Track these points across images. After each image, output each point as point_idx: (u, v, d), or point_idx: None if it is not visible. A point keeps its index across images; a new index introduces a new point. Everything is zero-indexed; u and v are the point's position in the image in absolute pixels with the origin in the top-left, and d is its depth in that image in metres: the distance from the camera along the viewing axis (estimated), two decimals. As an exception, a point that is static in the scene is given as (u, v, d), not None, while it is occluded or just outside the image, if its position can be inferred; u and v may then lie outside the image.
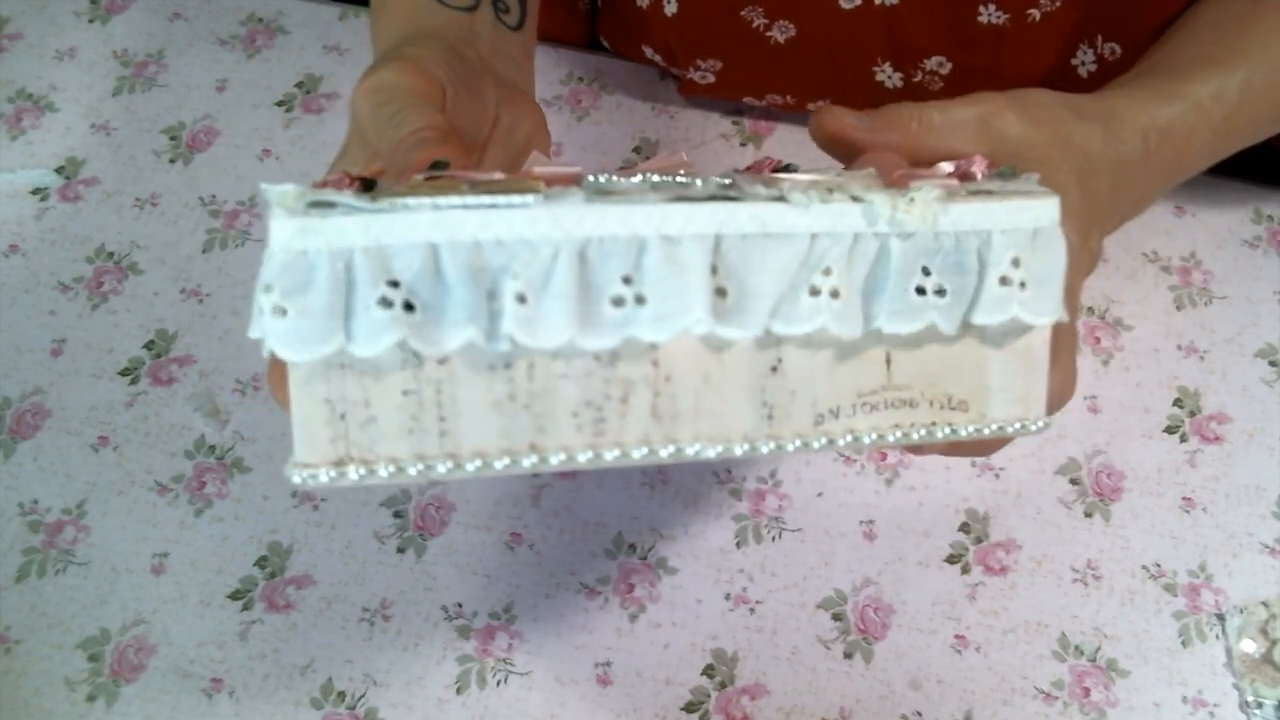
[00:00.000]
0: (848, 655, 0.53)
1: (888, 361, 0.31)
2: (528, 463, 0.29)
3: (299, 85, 0.72)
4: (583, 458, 0.29)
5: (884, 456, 0.58)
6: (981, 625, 0.53)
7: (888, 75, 0.64)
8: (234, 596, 0.55)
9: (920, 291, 0.30)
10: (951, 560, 0.55)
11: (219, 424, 0.59)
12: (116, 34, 0.74)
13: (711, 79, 0.67)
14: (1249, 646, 0.52)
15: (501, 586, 0.55)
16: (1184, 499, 0.56)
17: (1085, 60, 0.61)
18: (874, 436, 0.31)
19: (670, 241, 0.28)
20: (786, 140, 0.69)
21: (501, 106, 0.46)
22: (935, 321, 0.30)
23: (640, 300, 0.28)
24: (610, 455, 0.29)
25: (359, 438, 0.29)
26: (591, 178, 0.29)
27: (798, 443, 0.31)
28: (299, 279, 0.27)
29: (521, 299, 0.27)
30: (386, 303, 0.27)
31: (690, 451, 0.30)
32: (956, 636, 0.53)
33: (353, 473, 0.29)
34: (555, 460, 0.29)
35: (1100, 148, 0.41)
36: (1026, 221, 0.31)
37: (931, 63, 0.63)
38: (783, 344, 0.30)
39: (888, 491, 0.57)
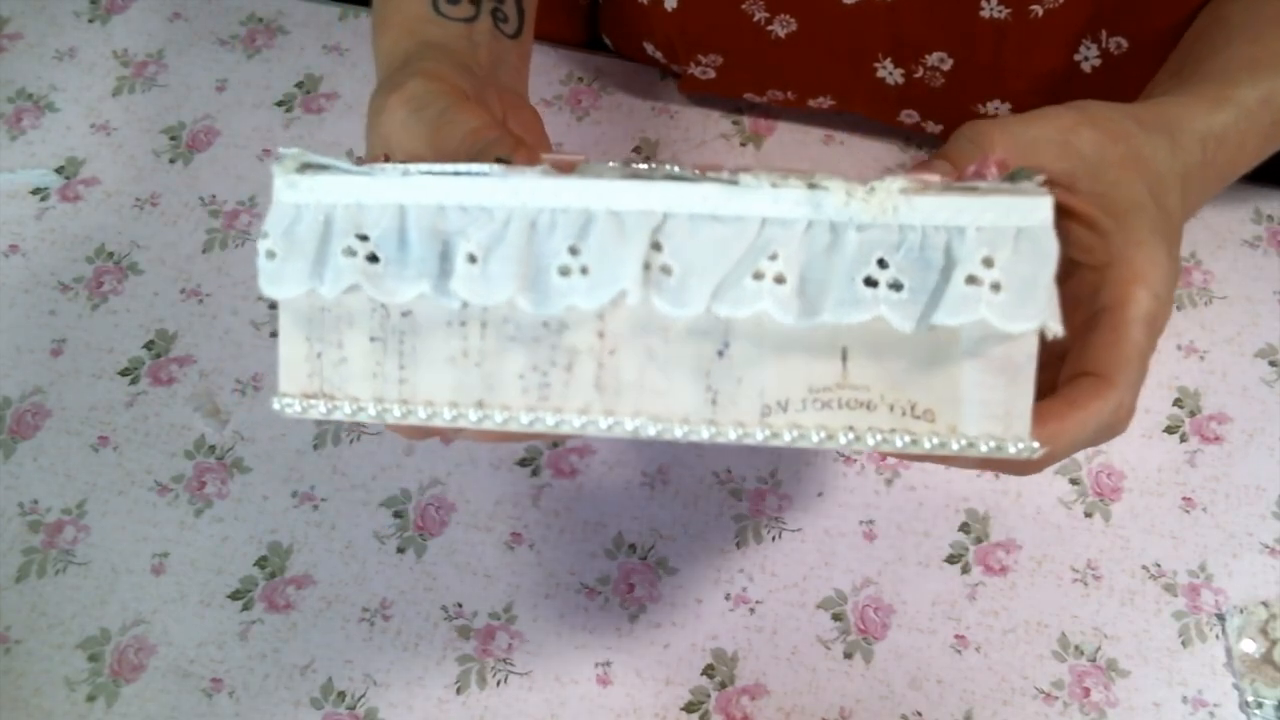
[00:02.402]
0: (848, 655, 0.53)
1: (844, 358, 0.30)
2: (473, 417, 0.31)
3: (299, 85, 0.71)
4: (525, 419, 0.31)
5: (884, 457, 0.58)
6: (981, 625, 0.53)
7: (889, 71, 0.64)
8: (234, 596, 0.55)
9: (870, 283, 0.29)
10: (951, 560, 0.55)
11: (219, 424, 0.59)
12: (116, 34, 0.74)
13: (712, 75, 0.67)
14: (1249, 646, 0.52)
15: (501, 586, 0.55)
16: (1184, 499, 0.56)
17: (1089, 55, 0.60)
18: (822, 435, 0.30)
19: (616, 216, 0.29)
20: (786, 140, 0.69)
21: (507, 114, 0.46)
22: (885, 316, 0.29)
23: (584, 271, 0.29)
24: (551, 420, 0.31)
25: (331, 375, 0.32)
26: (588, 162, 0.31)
27: (739, 431, 0.30)
28: (288, 228, 0.31)
29: (472, 259, 0.30)
30: (350, 252, 0.30)
31: (629, 426, 0.30)
32: (956, 636, 0.53)
33: (321, 406, 0.32)
34: (499, 419, 0.31)
35: (1168, 160, 0.41)
36: (1009, 220, 0.29)
37: (933, 58, 0.62)
38: (731, 329, 0.30)
39: (888, 491, 0.57)
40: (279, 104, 0.71)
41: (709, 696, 0.52)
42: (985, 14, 0.59)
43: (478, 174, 0.30)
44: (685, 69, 0.68)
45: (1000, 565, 0.55)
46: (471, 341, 0.31)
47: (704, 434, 0.31)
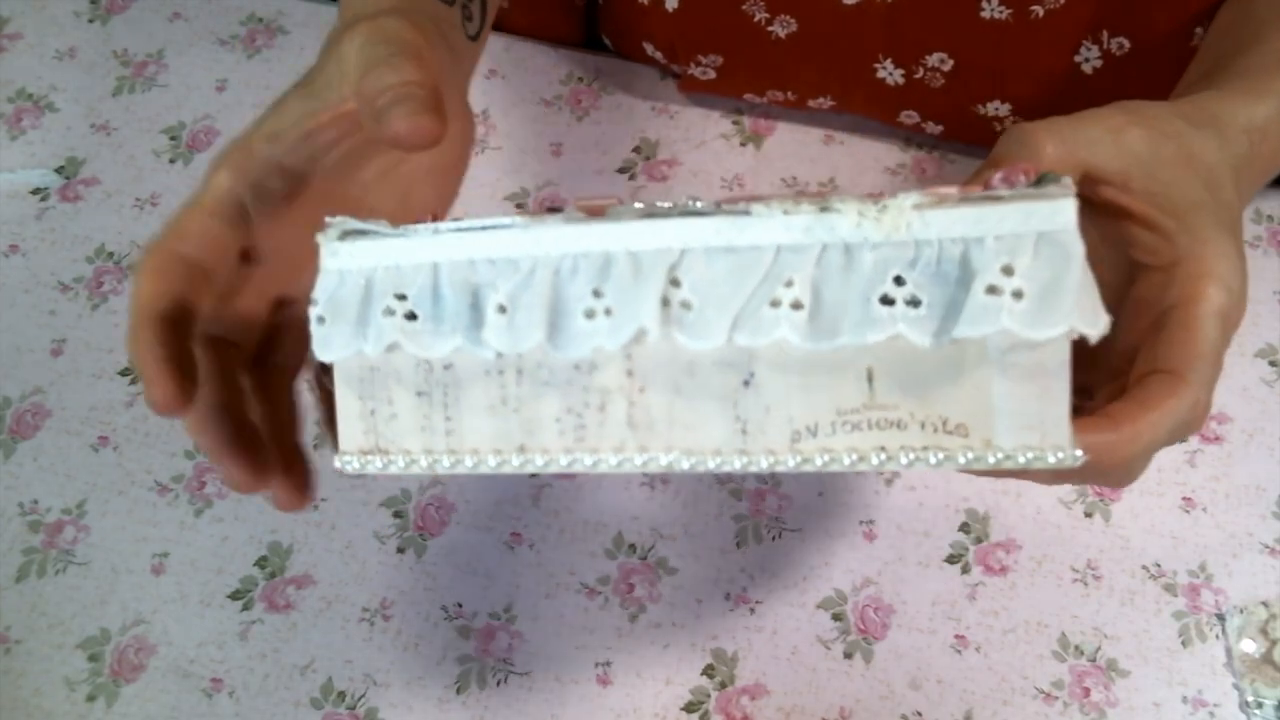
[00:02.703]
0: (848, 655, 0.53)
1: (869, 379, 0.30)
2: (516, 462, 0.32)
3: (299, 84, 0.71)
4: (564, 461, 0.32)
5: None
6: (981, 625, 0.53)
7: (889, 71, 0.64)
8: (234, 596, 0.55)
9: (887, 301, 0.29)
10: (951, 560, 0.55)
11: (219, 424, 0.59)
12: (116, 34, 0.74)
13: (712, 75, 0.67)
14: (1249, 646, 0.52)
15: (501, 586, 0.55)
16: (1184, 499, 0.56)
17: (1090, 57, 0.60)
18: (854, 457, 0.30)
19: (634, 256, 0.30)
20: (786, 140, 0.69)
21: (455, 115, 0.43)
22: (903, 333, 0.29)
23: (608, 313, 0.30)
24: (589, 460, 0.31)
25: (384, 431, 0.33)
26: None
27: (771, 459, 0.30)
28: (333, 293, 0.32)
29: (501, 309, 0.30)
30: (390, 311, 0.31)
31: (664, 461, 0.31)
32: (956, 636, 0.53)
33: (377, 462, 0.33)
34: (540, 462, 0.32)
35: (1218, 154, 0.40)
36: (1029, 225, 0.28)
37: (933, 59, 0.62)
38: (755, 359, 0.30)
39: (888, 491, 0.57)
40: (279, 104, 0.71)
41: (709, 696, 0.52)
42: (986, 14, 0.59)
43: (503, 226, 0.31)
44: (685, 69, 0.68)
45: (1000, 565, 0.55)
46: (509, 389, 0.32)
47: (736, 464, 0.31)
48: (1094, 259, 0.41)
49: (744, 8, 0.63)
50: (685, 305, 0.30)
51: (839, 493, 0.57)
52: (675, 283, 0.30)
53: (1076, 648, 0.53)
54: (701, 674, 0.52)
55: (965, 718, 0.51)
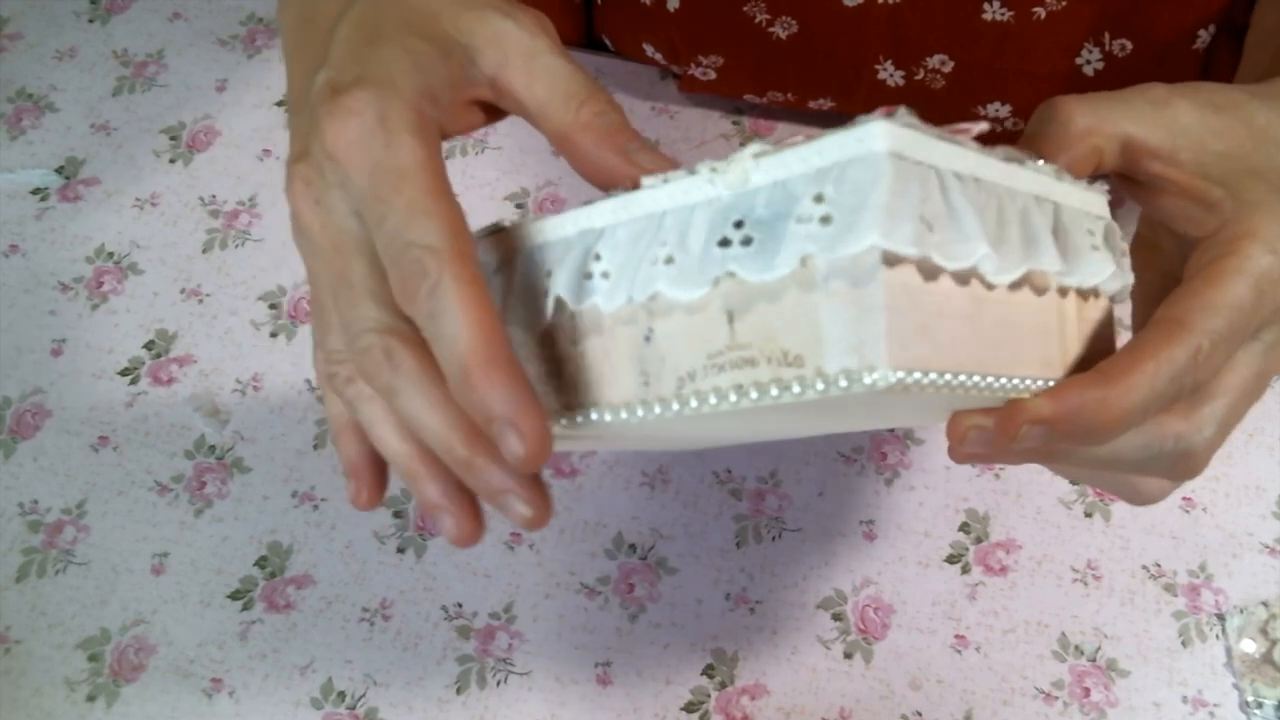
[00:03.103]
0: (848, 655, 0.53)
1: (729, 320, 0.31)
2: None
3: (299, 84, 0.71)
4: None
5: (884, 456, 0.58)
6: (981, 625, 0.53)
7: (889, 73, 0.64)
8: (234, 596, 0.55)
9: (724, 243, 0.30)
10: (951, 560, 0.55)
11: (219, 424, 0.59)
12: (116, 34, 0.74)
13: (713, 76, 0.67)
14: (1249, 646, 0.52)
15: (501, 586, 0.55)
16: (1184, 499, 0.56)
17: (1091, 59, 0.60)
18: (716, 398, 0.31)
19: (583, 235, 0.33)
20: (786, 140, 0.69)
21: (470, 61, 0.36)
22: (735, 270, 0.30)
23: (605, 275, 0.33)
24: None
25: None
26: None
27: (661, 407, 0.32)
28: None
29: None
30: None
31: (593, 416, 0.33)
32: (956, 636, 0.53)
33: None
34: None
35: None
36: (843, 154, 0.29)
37: (934, 60, 0.62)
38: (653, 314, 0.32)
39: (888, 491, 0.57)
40: (279, 104, 0.71)
41: (709, 696, 0.52)
42: (987, 16, 0.59)
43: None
44: (686, 70, 0.68)
45: (1000, 565, 0.55)
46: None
47: (638, 414, 0.32)
48: (1148, 244, 0.40)
49: (745, 9, 0.63)
50: (605, 275, 0.32)
51: (839, 493, 0.57)
52: (595, 256, 0.32)
53: (1076, 648, 0.53)
54: (701, 674, 0.52)
55: (965, 718, 0.51)
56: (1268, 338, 0.35)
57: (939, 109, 0.65)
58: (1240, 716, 0.51)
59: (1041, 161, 0.33)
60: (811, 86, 0.67)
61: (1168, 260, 0.39)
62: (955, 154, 0.30)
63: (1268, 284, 0.33)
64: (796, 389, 0.29)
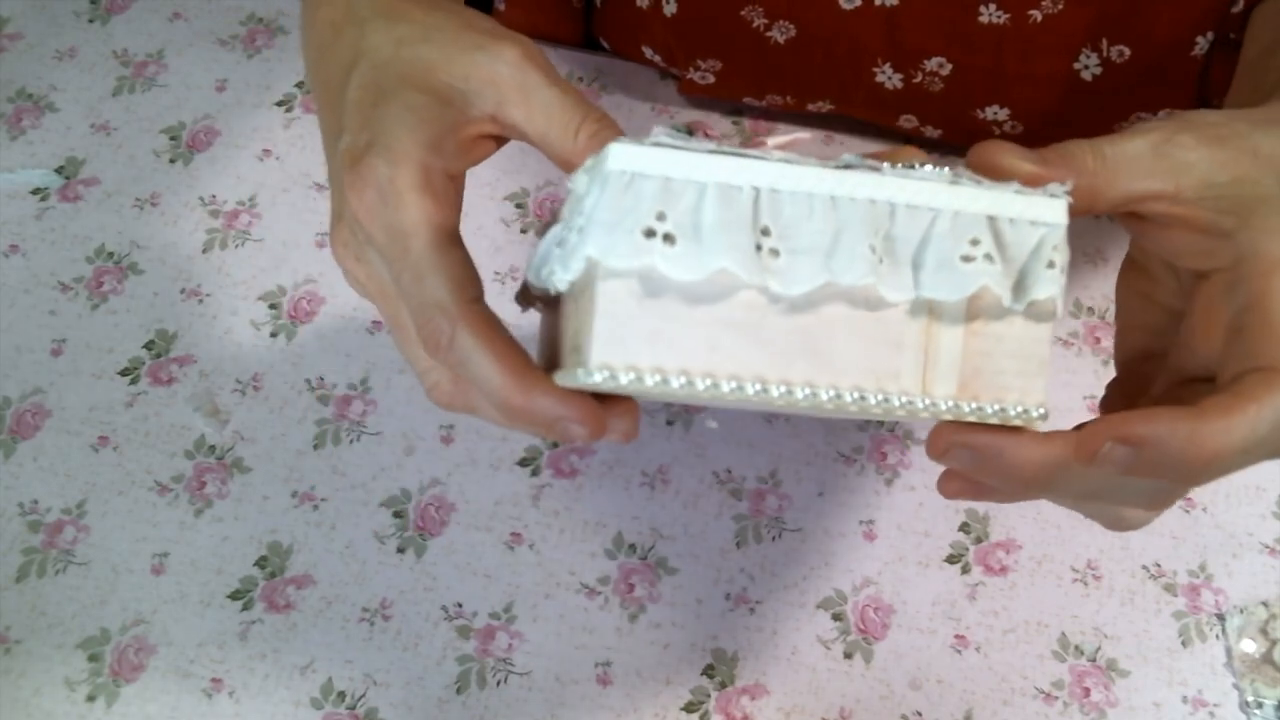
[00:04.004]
0: (848, 655, 0.53)
1: (575, 302, 0.32)
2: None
3: (299, 85, 0.72)
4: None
5: (884, 456, 0.58)
6: (981, 625, 0.53)
7: (888, 76, 0.64)
8: (234, 596, 0.55)
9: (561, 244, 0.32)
10: (951, 560, 0.55)
11: (219, 424, 0.59)
12: (116, 34, 0.74)
13: (711, 79, 0.67)
14: (1249, 646, 0.52)
15: (501, 586, 0.55)
16: (1184, 499, 0.56)
17: (1089, 64, 0.60)
18: (571, 379, 0.32)
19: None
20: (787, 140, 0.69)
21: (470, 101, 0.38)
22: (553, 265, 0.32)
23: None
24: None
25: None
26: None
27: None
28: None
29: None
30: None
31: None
32: (956, 636, 0.53)
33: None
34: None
35: None
36: (595, 174, 0.30)
37: (931, 63, 0.63)
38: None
39: (888, 491, 0.57)
40: (279, 104, 0.71)
41: (709, 696, 0.52)
42: (984, 19, 0.60)
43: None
44: (684, 73, 0.68)
45: (1000, 565, 0.55)
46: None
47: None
48: (1139, 268, 0.40)
49: (742, 13, 0.63)
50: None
51: (839, 493, 0.57)
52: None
53: (1076, 648, 0.53)
54: (701, 674, 0.52)
55: (965, 718, 0.51)
56: None
57: (938, 112, 0.66)
58: (1240, 716, 0.51)
59: (929, 166, 0.33)
60: (810, 89, 0.67)
61: (1161, 289, 0.39)
62: (742, 167, 0.30)
63: None
64: (571, 378, 0.32)
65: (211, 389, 0.60)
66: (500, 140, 0.39)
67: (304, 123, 0.70)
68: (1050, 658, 0.52)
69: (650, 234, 0.29)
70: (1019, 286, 0.32)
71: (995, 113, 0.64)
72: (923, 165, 0.32)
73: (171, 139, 0.70)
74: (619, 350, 0.30)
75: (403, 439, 0.59)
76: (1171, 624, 0.53)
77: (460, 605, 0.54)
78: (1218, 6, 0.57)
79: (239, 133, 0.70)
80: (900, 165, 0.32)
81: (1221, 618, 0.53)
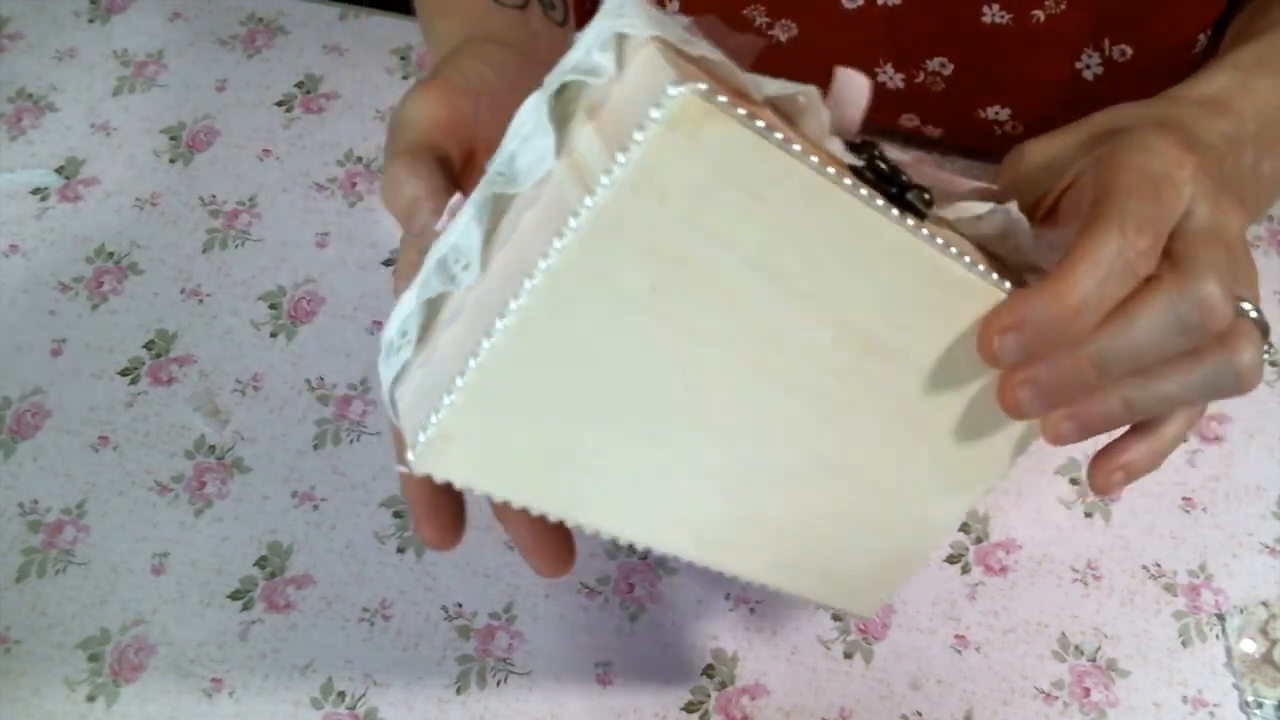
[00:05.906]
0: (848, 655, 0.53)
1: None
2: None
3: (299, 85, 0.72)
4: None
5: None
6: (981, 625, 0.53)
7: (889, 76, 0.64)
8: (234, 596, 0.55)
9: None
10: (951, 560, 0.55)
11: (219, 424, 0.59)
12: (116, 34, 0.74)
13: (711, 79, 0.67)
14: (1249, 646, 0.52)
15: (501, 586, 0.55)
16: (1184, 499, 0.56)
17: (1091, 64, 0.60)
18: None
19: None
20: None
21: None
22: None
23: None
24: None
25: None
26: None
27: None
28: None
29: None
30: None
31: None
32: (956, 636, 0.53)
33: None
34: None
35: (1164, 105, 0.41)
36: None
37: (934, 63, 0.63)
38: None
39: (888, 492, 0.57)
40: (279, 104, 0.71)
41: (709, 696, 0.52)
42: (986, 19, 0.60)
43: None
44: (685, 71, 0.68)
45: (1000, 565, 0.55)
46: None
47: None
48: None
49: (744, 12, 0.63)
50: None
51: (839, 493, 0.57)
52: None
53: (1076, 648, 0.53)
54: (701, 674, 0.52)
55: (965, 718, 0.51)
56: (1198, 190, 0.35)
57: (939, 112, 0.66)
58: (1240, 716, 0.51)
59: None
60: (811, 89, 0.67)
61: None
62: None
63: (1159, 154, 0.35)
64: None
65: (211, 389, 0.60)
66: None
67: (304, 123, 0.70)
68: (1050, 658, 0.52)
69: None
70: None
71: (997, 113, 0.64)
72: None
73: (171, 139, 0.70)
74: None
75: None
76: (1171, 624, 0.53)
77: (460, 605, 0.54)
78: (1218, 6, 0.57)
79: (239, 133, 0.70)
80: None
81: (1221, 618, 0.53)
